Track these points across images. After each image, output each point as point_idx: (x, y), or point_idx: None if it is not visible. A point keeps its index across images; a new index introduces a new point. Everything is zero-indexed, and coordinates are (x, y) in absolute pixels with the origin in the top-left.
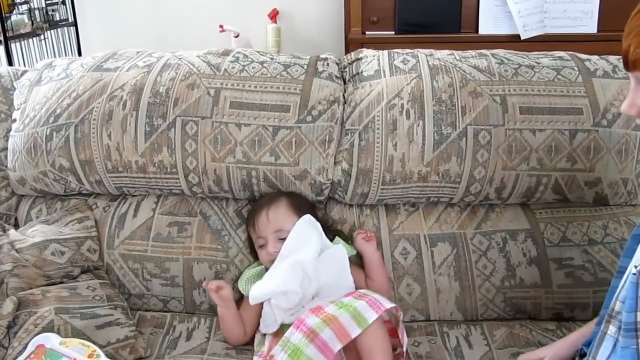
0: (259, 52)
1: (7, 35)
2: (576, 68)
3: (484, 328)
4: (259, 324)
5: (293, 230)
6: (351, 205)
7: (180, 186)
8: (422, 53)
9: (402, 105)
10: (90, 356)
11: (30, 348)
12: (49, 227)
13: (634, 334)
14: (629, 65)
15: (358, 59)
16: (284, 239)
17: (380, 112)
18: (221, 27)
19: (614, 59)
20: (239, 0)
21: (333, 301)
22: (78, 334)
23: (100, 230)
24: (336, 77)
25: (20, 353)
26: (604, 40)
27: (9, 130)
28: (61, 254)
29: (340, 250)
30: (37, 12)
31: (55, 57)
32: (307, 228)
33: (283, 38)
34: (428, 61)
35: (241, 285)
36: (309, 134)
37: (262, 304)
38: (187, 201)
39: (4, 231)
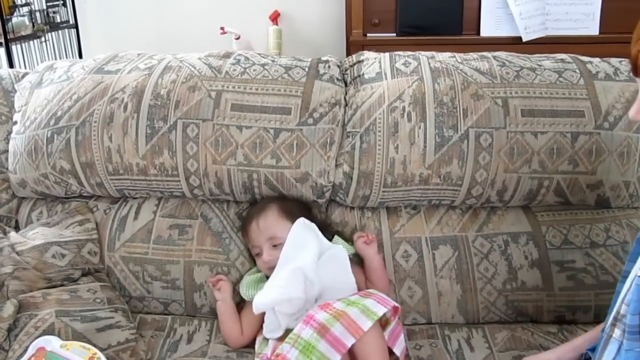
0: (259, 54)
1: (8, 37)
2: (578, 70)
3: (485, 331)
4: (259, 327)
5: (289, 236)
6: (352, 208)
7: (181, 188)
8: (423, 55)
9: (404, 108)
10: (90, 359)
11: (31, 351)
12: (49, 229)
13: (637, 336)
14: (637, 71)
15: (359, 61)
16: (278, 246)
17: (381, 115)
18: (222, 28)
19: (615, 61)
20: (240, 2)
21: (340, 299)
22: (78, 336)
23: (100, 232)
24: (337, 79)
25: (21, 356)
26: (605, 42)
27: (10, 132)
28: (61, 257)
29: (340, 250)
30: (37, 14)
31: (55, 58)
32: (303, 231)
33: (284, 40)
34: (429, 63)
35: (242, 291)
36: (310, 136)
37: None
38: (188, 203)
39: (4, 233)
